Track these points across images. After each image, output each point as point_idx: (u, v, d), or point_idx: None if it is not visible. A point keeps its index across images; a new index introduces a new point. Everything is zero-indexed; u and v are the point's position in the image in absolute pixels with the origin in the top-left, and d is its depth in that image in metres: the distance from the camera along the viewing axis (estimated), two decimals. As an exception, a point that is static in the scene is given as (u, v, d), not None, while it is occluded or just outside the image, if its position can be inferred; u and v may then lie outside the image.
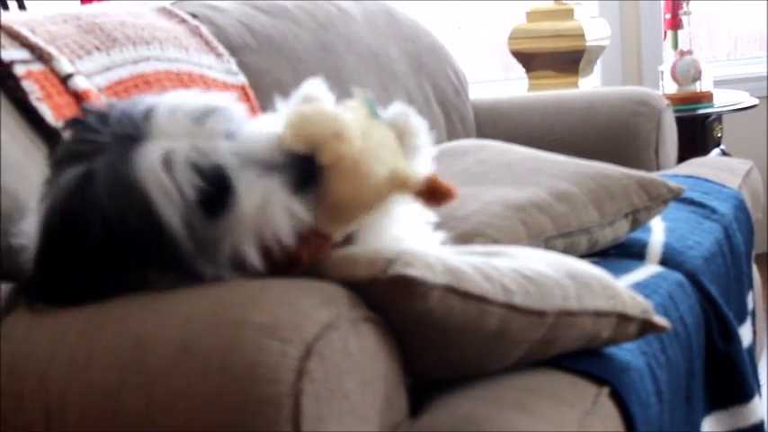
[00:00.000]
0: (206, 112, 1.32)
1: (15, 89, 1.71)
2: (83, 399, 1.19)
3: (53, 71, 1.80)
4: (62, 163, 1.31)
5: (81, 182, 1.28)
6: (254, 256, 1.29)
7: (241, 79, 2.32)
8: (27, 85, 1.71)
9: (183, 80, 2.11)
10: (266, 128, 1.35)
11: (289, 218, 1.29)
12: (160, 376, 1.16)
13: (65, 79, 1.80)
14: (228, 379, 1.13)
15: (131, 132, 1.28)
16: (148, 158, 1.26)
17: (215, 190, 1.27)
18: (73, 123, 1.36)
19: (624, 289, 1.55)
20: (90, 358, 1.20)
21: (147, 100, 1.33)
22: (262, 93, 2.40)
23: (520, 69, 4.06)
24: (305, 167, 1.31)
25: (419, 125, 1.51)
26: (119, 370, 1.19)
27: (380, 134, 1.43)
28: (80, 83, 1.81)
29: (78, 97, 1.78)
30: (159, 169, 1.25)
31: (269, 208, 1.27)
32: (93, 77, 1.88)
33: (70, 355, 1.21)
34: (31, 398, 1.21)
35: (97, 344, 1.21)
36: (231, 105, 1.37)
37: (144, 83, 2.00)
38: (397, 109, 1.49)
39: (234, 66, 2.33)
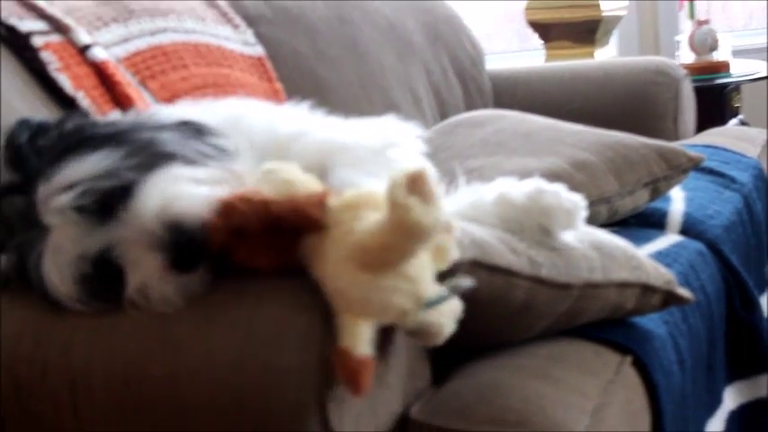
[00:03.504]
0: (85, 191, 1.23)
1: (33, 60, 1.70)
2: (107, 367, 1.19)
3: (71, 42, 1.79)
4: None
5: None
6: None
7: (258, 50, 2.32)
8: (45, 56, 1.71)
9: (201, 52, 2.10)
10: (158, 198, 1.23)
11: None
12: (184, 345, 1.17)
13: (83, 50, 1.79)
14: (253, 347, 1.13)
15: (32, 218, 1.24)
16: (47, 255, 1.22)
17: (103, 277, 1.22)
18: None
19: (648, 260, 1.54)
20: (113, 327, 1.21)
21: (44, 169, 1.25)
22: (279, 64, 2.39)
23: (536, 41, 4.04)
24: (192, 248, 1.19)
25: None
26: (142, 339, 1.19)
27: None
28: (98, 53, 1.80)
29: (97, 68, 1.78)
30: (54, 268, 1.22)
31: (152, 287, 1.20)
32: (110, 48, 1.88)
33: (94, 323, 1.22)
34: (56, 366, 1.21)
35: (120, 312, 1.21)
36: (119, 169, 1.26)
37: (162, 54, 2.00)
38: None
39: (251, 37, 2.33)
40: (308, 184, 1.20)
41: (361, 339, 1.11)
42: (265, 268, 1.17)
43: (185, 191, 1.22)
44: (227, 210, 1.16)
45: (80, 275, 1.22)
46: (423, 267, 1.15)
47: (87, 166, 1.24)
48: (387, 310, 1.13)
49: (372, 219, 1.13)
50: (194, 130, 1.35)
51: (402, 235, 1.09)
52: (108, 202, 1.22)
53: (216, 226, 1.16)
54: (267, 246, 1.15)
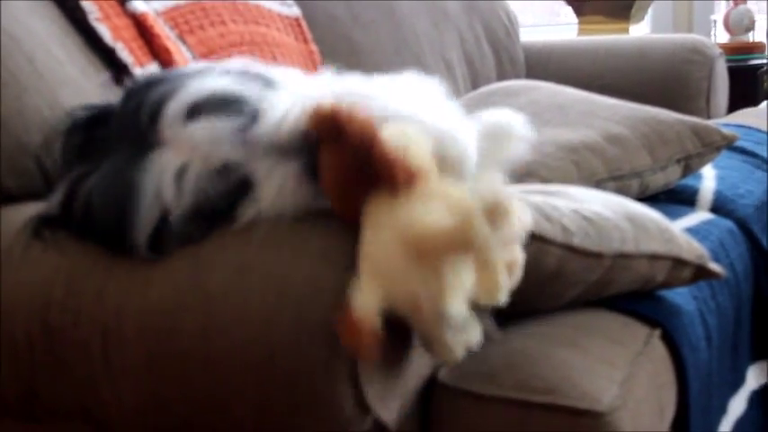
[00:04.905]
0: (215, 106, 1.21)
1: (74, 10, 1.70)
2: (140, 316, 1.19)
3: (112, -7, 1.79)
4: (74, 159, 1.28)
5: (81, 186, 1.23)
6: None
7: (295, 11, 2.31)
8: (86, 5, 1.70)
9: (239, 9, 2.10)
10: (287, 108, 1.21)
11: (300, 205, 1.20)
12: (217, 298, 1.16)
13: (123, 1, 1.79)
14: (286, 301, 1.12)
15: (137, 137, 1.20)
16: (162, 170, 1.19)
17: (230, 192, 1.20)
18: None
19: (680, 233, 1.54)
20: (148, 277, 1.20)
21: (157, 90, 1.22)
22: (314, 26, 2.39)
23: (566, 16, 4.03)
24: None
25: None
26: (175, 289, 1.19)
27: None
28: (138, 6, 1.80)
29: (136, 20, 1.78)
30: (171, 182, 1.18)
31: (284, 196, 1.19)
32: (150, 1, 1.88)
33: (128, 272, 1.21)
34: (89, 313, 1.22)
35: (154, 262, 1.21)
36: (245, 86, 1.25)
37: (200, 9, 1.99)
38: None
39: (288, -3, 2.33)
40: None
41: (369, 302, 1.09)
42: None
43: (308, 102, 1.19)
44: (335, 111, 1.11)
45: (201, 192, 1.19)
46: (461, 285, 1.11)
47: (215, 83, 1.23)
48: (406, 294, 1.10)
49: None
50: (265, 80, 1.33)
51: (451, 241, 1.08)
52: (240, 116, 1.21)
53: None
54: (347, 168, 1.12)
